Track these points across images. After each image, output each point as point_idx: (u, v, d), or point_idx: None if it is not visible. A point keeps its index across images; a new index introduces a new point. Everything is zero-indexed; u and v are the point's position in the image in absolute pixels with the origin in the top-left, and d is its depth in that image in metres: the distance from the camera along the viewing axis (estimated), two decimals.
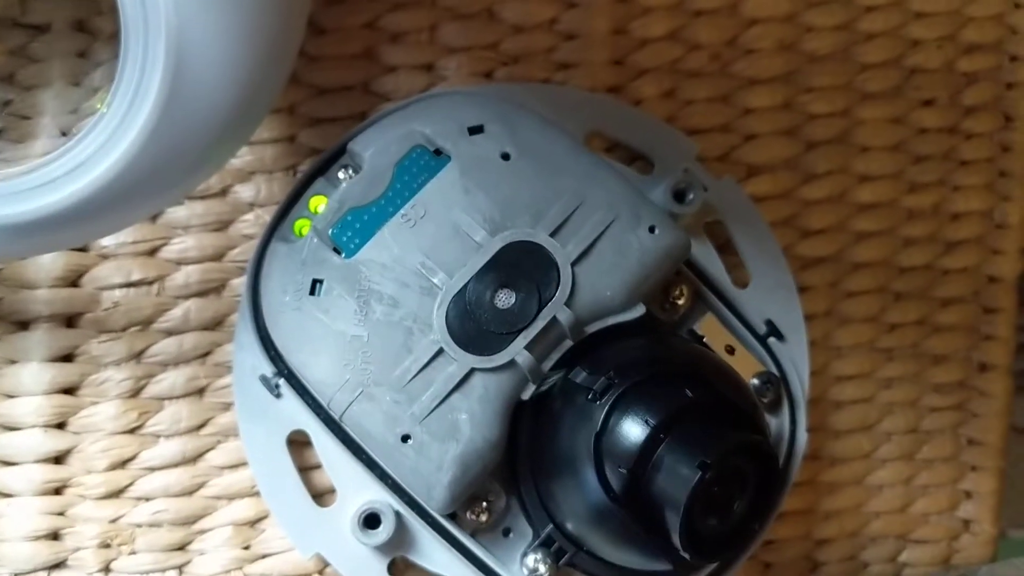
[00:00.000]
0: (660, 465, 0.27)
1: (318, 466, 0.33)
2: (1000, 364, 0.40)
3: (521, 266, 0.30)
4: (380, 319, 0.30)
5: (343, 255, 0.30)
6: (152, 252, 0.34)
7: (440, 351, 0.29)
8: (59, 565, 0.33)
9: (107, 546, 0.33)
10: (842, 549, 0.39)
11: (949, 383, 0.40)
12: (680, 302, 0.33)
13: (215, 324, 0.34)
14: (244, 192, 0.34)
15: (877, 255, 0.39)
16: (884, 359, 0.39)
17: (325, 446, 0.32)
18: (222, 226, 0.34)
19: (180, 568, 0.34)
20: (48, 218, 0.24)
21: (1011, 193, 0.40)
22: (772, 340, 0.34)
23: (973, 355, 0.40)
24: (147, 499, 0.34)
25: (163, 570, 0.34)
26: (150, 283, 0.34)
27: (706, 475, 0.26)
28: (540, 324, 0.29)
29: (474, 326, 0.29)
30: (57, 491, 0.33)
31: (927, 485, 0.40)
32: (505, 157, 0.31)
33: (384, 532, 0.31)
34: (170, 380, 0.34)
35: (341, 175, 0.32)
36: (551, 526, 0.31)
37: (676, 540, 0.27)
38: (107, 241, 0.33)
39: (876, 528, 0.39)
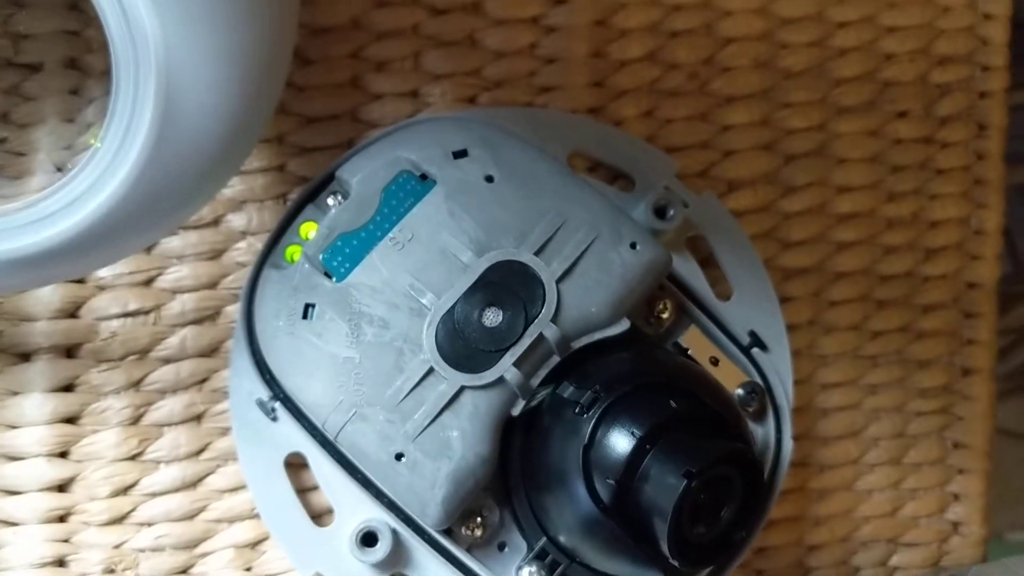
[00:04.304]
0: (647, 475, 0.28)
1: (315, 487, 0.33)
2: (983, 368, 0.41)
3: (507, 285, 0.31)
4: (371, 341, 0.30)
5: (334, 279, 0.31)
6: (148, 282, 0.34)
7: (430, 370, 0.30)
8: None
9: (112, 571, 0.34)
10: (834, 554, 0.39)
11: (933, 388, 0.40)
12: (664, 316, 0.34)
13: (211, 351, 0.35)
14: (236, 221, 0.35)
15: (858, 264, 0.40)
16: (869, 366, 0.40)
17: (322, 467, 0.32)
18: (215, 255, 0.35)
19: None
20: (46, 252, 0.25)
21: (987, 200, 0.41)
22: (755, 350, 0.35)
23: (956, 360, 0.41)
24: (149, 524, 0.34)
25: None
26: (147, 312, 0.34)
27: (691, 483, 0.27)
28: (527, 341, 0.30)
29: (463, 345, 0.30)
30: (61, 519, 0.34)
31: (915, 488, 0.40)
32: (489, 180, 0.32)
33: (381, 550, 0.32)
34: (169, 407, 0.34)
35: (330, 202, 0.33)
36: (544, 539, 0.32)
37: (665, 548, 0.27)
38: (104, 272, 0.34)
39: (867, 532, 0.40)
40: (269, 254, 0.33)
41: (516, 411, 0.30)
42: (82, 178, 0.25)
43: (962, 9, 0.41)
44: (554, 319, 0.30)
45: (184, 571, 0.34)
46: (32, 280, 0.29)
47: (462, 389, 0.30)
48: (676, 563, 0.27)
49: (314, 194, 0.34)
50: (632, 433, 0.28)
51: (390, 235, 0.31)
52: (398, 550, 0.32)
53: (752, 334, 0.35)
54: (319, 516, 0.34)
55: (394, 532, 0.32)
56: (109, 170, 0.25)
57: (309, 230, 0.33)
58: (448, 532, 0.32)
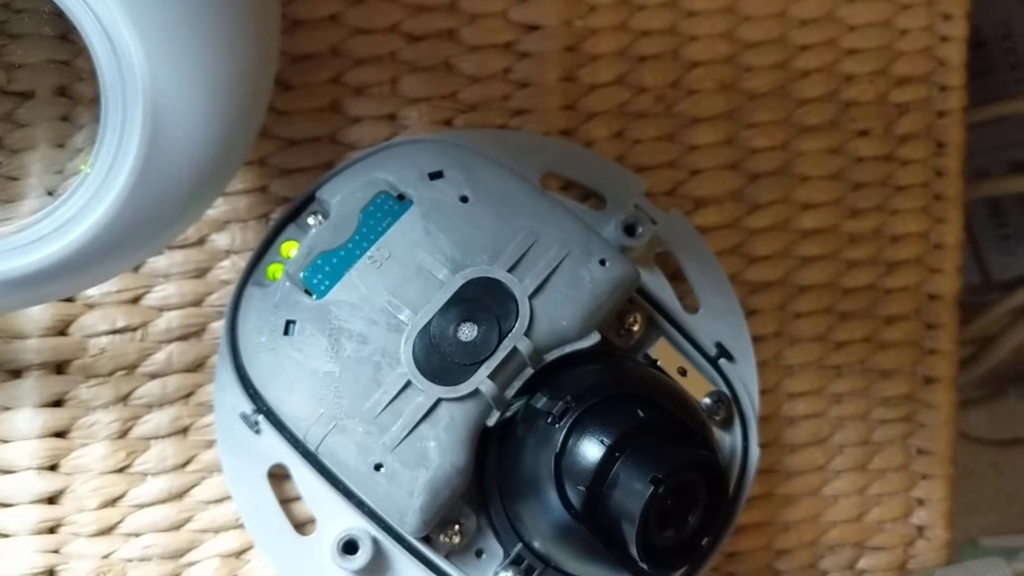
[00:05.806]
0: (616, 482, 0.29)
1: (298, 498, 0.34)
2: (944, 377, 0.42)
3: (482, 301, 0.32)
4: (350, 355, 0.31)
5: (314, 296, 0.32)
6: (135, 300, 0.35)
7: (408, 383, 0.31)
8: None
9: None
10: (802, 558, 0.40)
11: (896, 396, 0.41)
12: (634, 328, 0.35)
13: (196, 366, 0.35)
14: (220, 240, 0.36)
15: (822, 278, 0.41)
16: (834, 375, 0.41)
17: (304, 478, 0.33)
18: (200, 273, 0.36)
19: None
20: (37, 273, 0.26)
21: (946, 215, 0.42)
22: (722, 361, 0.36)
23: (918, 369, 0.42)
24: (137, 535, 0.35)
25: None
26: (134, 329, 0.35)
27: (658, 489, 0.27)
28: (501, 354, 0.31)
29: (439, 358, 0.31)
30: (51, 530, 0.34)
31: (880, 494, 0.41)
32: (464, 200, 0.33)
33: (362, 557, 0.32)
34: (155, 421, 0.35)
35: (311, 221, 0.34)
36: (520, 545, 0.32)
37: (634, 552, 0.28)
38: (93, 291, 0.35)
39: (834, 537, 0.41)
40: (252, 272, 0.34)
41: (491, 422, 0.31)
42: (72, 202, 0.25)
43: (920, 32, 0.42)
44: (527, 333, 0.31)
45: None
46: (24, 300, 0.30)
47: (439, 401, 0.31)
48: (645, 566, 0.28)
49: (295, 214, 0.34)
50: (602, 441, 0.29)
51: (368, 254, 0.32)
52: (378, 558, 0.33)
53: (719, 345, 0.36)
54: (302, 525, 0.34)
55: (374, 540, 0.32)
56: (98, 195, 0.25)
57: (290, 249, 0.34)
58: (427, 539, 0.32)
